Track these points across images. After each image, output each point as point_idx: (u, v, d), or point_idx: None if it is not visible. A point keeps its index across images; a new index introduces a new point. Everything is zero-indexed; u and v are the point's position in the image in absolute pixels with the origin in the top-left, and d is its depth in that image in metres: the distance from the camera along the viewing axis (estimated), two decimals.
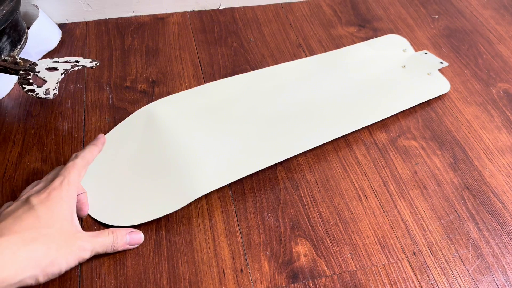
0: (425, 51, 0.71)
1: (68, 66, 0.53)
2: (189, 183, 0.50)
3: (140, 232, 0.47)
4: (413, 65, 0.68)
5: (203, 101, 0.60)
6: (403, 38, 0.73)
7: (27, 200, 0.41)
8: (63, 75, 0.52)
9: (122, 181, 0.51)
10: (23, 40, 0.57)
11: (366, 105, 0.61)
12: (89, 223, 0.48)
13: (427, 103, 0.64)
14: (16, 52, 0.55)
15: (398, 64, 0.68)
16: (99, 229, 0.47)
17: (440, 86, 0.65)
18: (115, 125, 0.57)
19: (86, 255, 0.42)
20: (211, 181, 0.50)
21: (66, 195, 0.42)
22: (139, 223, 0.48)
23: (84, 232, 0.43)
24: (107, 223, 0.48)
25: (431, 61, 0.68)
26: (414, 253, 0.48)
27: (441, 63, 0.68)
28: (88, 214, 0.48)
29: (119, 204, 0.49)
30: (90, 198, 0.49)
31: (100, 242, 0.43)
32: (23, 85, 0.50)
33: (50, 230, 0.39)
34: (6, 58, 0.53)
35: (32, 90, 0.49)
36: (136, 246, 0.46)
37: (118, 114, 0.60)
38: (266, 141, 0.55)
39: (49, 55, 0.68)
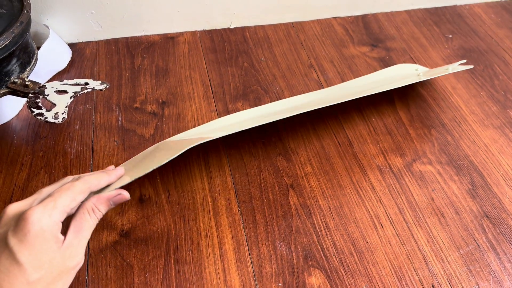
0: (447, 66, 0.69)
1: (78, 88, 0.53)
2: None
3: (122, 192, 0.42)
4: (428, 72, 0.67)
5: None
6: (414, 65, 0.71)
7: (5, 240, 0.35)
8: (72, 99, 0.51)
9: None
10: (32, 62, 0.57)
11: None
12: (93, 260, 0.47)
13: (442, 125, 0.63)
14: (25, 74, 0.55)
15: (413, 73, 0.67)
16: (105, 267, 0.45)
17: (461, 67, 0.65)
18: (124, 147, 0.56)
19: (81, 260, 0.38)
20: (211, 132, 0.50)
21: (47, 224, 0.36)
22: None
23: (68, 239, 0.37)
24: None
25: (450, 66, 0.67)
26: (433, 286, 0.46)
27: (461, 64, 0.67)
28: (91, 251, 0.47)
29: None
30: None
31: (86, 234, 0.39)
32: (32, 109, 0.49)
33: (39, 274, 0.35)
34: (16, 80, 0.53)
35: (41, 114, 0.49)
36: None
37: (127, 136, 0.59)
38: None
39: (59, 75, 0.68)
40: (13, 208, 0.37)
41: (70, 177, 0.42)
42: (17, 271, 0.34)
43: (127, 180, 0.43)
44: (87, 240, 0.38)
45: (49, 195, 0.38)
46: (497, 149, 0.60)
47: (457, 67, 0.66)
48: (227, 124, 0.56)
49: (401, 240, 0.50)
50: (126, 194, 0.42)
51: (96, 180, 0.42)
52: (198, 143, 0.48)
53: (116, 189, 0.42)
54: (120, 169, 0.45)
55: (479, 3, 0.87)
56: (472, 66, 0.67)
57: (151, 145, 0.56)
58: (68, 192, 0.38)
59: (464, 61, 0.68)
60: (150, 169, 0.44)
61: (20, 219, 0.35)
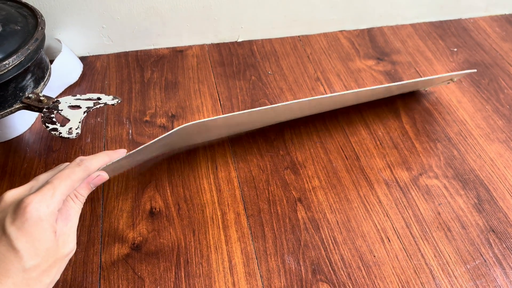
0: (449, 80, 0.70)
1: (91, 103, 0.54)
2: None
3: (101, 174, 0.44)
4: (433, 83, 0.68)
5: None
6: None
7: (2, 227, 0.35)
8: (85, 114, 0.52)
9: None
10: (46, 77, 0.58)
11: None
12: (105, 273, 0.48)
13: (448, 139, 0.63)
14: (39, 89, 0.56)
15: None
16: (117, 280, 0.46)
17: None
18: None
19: (74, 247, 0.39)
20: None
21: (45, 213, 0.36)
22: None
23: (59, 228, 0.38)
24: None
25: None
26: None
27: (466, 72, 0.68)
28: (103, 264, 0.48)
29: None
30: None
31: (74, 220, 0.39)
32: (47, 124, 0.50)
33: (35, 262, 0.35)
34: (30, 95, 0.54)
35: (56, 130, 0.50)
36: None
37: None
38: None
39: (70, 88, 0.69)
40: (11, 195, 0.38)
41: (66, 163, 0.43)
42: (13, 258, 0.34)
43: (123, 153, 0.46)
44: (76, 226, 0.40)
45: (47, 182, 0.39)
46: (503, 163, 0.61)
47: (460, 74, 0.67)
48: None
49: (408, 254, 0.50)
50: (104, 175, 0.44)
51: (96, 163, 0.43)
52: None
53: (97, 171, 0.43)
54: (122, 150, 0.47)
55: (484, 17, 0.88)
56: (475, 70, 0.68)
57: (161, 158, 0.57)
58: (68, 181, 0.39)
59: (469, 71, 0.69)
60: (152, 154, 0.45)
61: (18, 206, 0.36)
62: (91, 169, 0.43)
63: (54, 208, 0.37)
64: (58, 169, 0.42)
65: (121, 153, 0.47)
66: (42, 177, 0.41)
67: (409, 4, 0.83)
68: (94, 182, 0.43)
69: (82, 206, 0.41)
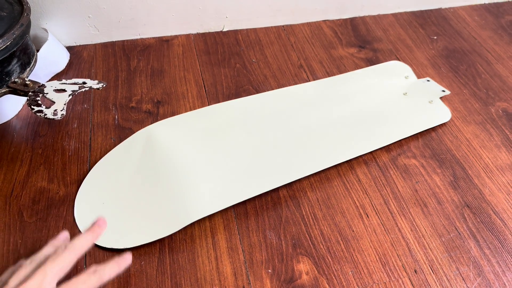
0: (428, 78, 0.72)
1: (76, 87, 0.55)
2: (188, 206, 0.51)
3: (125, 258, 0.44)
4: (414, 92, 0.68)
5: (205, 124, 0.61)
6: (406, 65, 0.74)
7: None
8: (70, 96, 0.54)
9: (122, 203, 0.52)
10: (32, 63, 0.59)
11: (368, 131, 0.61)
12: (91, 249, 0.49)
13: None
14: (25, 74, 0.57)
15: (400, 91, 0.69)
16: (103, 256, 0.48)
17: (441, 114, 0.66)
18: (119, 144, 0.59)
19: None
20: (210, 204, 0.51)
21: None
22: (137, 244, 0.48)
23: None
24: (106, 246, 0.48)
25: (433, 89, 0.69)
26: (415, 271, 0.48)
27: (443, 91, 0.69)
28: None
29: (118, 227, 0.50)
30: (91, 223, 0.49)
31: None
32: (32, 106, 0.52)
33: None
34: (16, 80, 0.55)
35: (41, 111, 0.51)
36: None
37: (123, 134, 0.61)
38: (266, 165, 0.56)
39: (57, 76, 0.70)
40: None
41: (55, 244, 0.42)
42: None
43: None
44: None
45: (31, 277, 0.37)
46: (479, 144, 0.63)
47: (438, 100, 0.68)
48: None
49: (386, 229, 0.52)
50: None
51: (80, 247, 0.42)
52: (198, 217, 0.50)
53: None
54: (104, 223, 0.46)
55: (463, 6, 0.90)
56: (449, 93, 0.69)
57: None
58: (51, 275, 0.38)
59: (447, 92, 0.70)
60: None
61: None
62: (70, 258, 0.41)
63: None
64: (47, 253, 0.41)
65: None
66: (27, 270, 0.39)
67: None
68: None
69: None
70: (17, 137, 0.60)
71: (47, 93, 0.54)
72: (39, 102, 0.52)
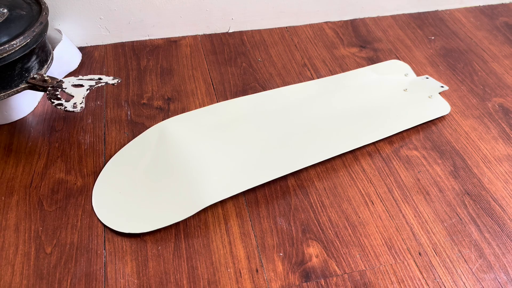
0: (427, 76, 0.75)
1: (93, 83, 0.58)
2: (201, 192, 0.53)
3: None
4: (414, 88, 0.72)
5: (215, 119, 0.64)
6: (405, 64, 0.77)
7: None
8: (88, 91, 0.56)
9: (138, 192, 0.54)
10: (49, 60, 0.61)
11: (370, 124, 0.64)
12: (110, 235, 0.51)
13: None
14: (43, 71, 0.59)
15: (400, 87, 0.72)
16: (121, 241, 0.50)
17: (441, 108, 0.69)
18: (134, 138, 0.61)
19: None
20: (222, 190, 0.53)
21: None
22: (154, 229, 0.51)
23: None
24: (125, 231, 0.50)
25: (432, 85, 0.72)
26: (420, 254, 0.51)
27: (442, 86, 0.72)
28: (108, 227, 0.51)
29: (135, 213, 0.52)
30: (109, 210, 0.52)
31: None
32: (52, 100, 0.54)
33: None
34: (35, 76, 0.58)
35: (61, 104, 0.53)
36: None
37: (136, 129, 0.64)
38: (274, 156, 0.58)
39: (70, 75, 0.73)
40: None
41: None
42: None
43: None
44: None
45: None
46: (477, 136, 0.65)
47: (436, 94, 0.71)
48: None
49: (390, 215, 0.54)
50: None
51: None
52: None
53: None
54: None
55: (459, 8, 0.94)
56: (447, 88, 0.72)
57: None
58: None
59: (445, 87, 0.73)
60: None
61: None
62: None
63: None
64: None
65: None
66: None
67: None
68: None
69: None
70: (34, 132, 0.62)
71: (65, 88, 0.56)
72: (59, 96, 0.55)
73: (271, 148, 0.60)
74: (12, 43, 0.53)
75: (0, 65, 0.53)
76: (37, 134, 0.62)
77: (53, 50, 0.69)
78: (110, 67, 0.75)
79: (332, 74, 0.75)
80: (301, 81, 0.74)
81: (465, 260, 0.50)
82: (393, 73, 0.75)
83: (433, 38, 0.85)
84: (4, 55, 0.53)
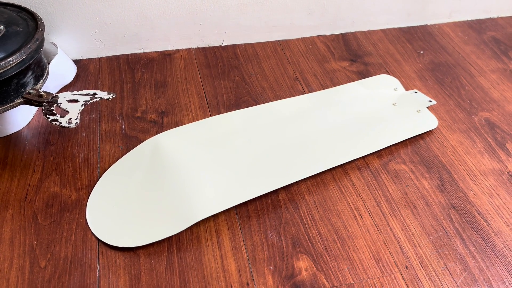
0: (415, 90, 0.77)
1: (87, 98, 0.59)
2: (194, 206, 0.54)
3: None
4: (403, 102, 0.73)
5: (208, 133, 0.65)
6: (394, 78, 0.79)
7: None
8: (83, 106, 0.57)
9: (132, 206, 0.55)
10: (45, 75, 0.63)
11: (360, 139, 0.66)
12: (103, 249, 0.52)
13: None
14: (39, 85, 0.60)
15: (389, 101, 0.73)
16: (114, 255, 0.51)
17: (429, 122, 0.70)
18: (128, 152, 0.62)
19: None
20: (215, 204, 0.54)
21: None
22: (147, 243, 0.52)
23: None
24: (119, 245, 0.51)
25: (421, 99, 0.74)
26: (406, 267, 0.52)
27: (430, 101, 0.74)
28: (101, 241, 0.52)
29: (129, 227, 0.53)
30: (103, 224, 0.53)
31: None
32: (48, 115, 0.55)
33: None
34: (31, 91, 0.59)
35: (56, 120, 0.54)
36: None
37: (130, 142, 0.65)
38: (265, 170, 0.60)
39: (66, 88, 0.74)
40: None
41: None
42: None
43: None
44: None
45: None
46: (463, 150, 0.67)
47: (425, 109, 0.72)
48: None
49: (379, 228, 0.56)
50: None
51: None
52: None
53: None
54: None
55: (448, 23, 0.96)
56: (435, 102, 0.74)
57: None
58: None
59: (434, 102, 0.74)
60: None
61: None
62: None
63: None
64: None
65: None
66: None
67: (379, 11, 0.90)
68: None
69: None
70: (29, 146, 0.63)
71: (60, 103, 0.57)
72: (54, 111, 0.56)
73: (263, 162, 0.61)
74: (8, 59, 0.54)
75: None
76: (32, 147, 0.63)
77: (48, 63, 0.70)
78: (105, 80, 0.76)
79: (323, 88, 0.77)
80: (293, 95, 0.75)
81: (450, 274, 0.52)
82: (382, 88, 0.77)
83: (422, 52, 0.87)
84: (1, 71, 0.54)
